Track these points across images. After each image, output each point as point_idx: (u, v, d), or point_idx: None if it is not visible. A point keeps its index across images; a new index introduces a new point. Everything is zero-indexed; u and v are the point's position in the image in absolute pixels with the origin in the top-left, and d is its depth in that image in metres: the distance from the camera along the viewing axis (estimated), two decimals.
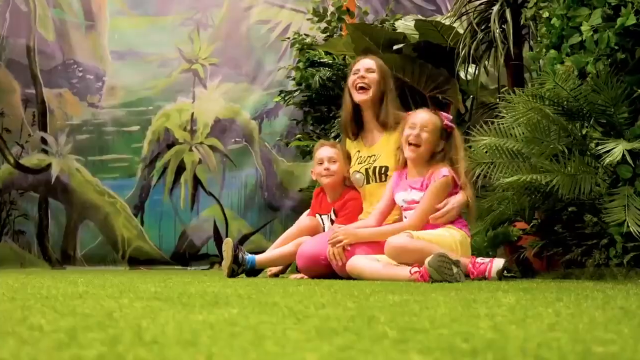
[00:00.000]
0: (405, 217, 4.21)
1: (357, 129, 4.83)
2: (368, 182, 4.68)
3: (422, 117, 4.23)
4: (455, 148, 4.21)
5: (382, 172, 4.62)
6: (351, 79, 4.77)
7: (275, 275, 5.00)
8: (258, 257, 4.75)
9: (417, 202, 4.13)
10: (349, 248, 4.15)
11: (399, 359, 1.06)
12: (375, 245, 4.07)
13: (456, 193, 4.11)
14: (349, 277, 4.08)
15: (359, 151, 4.79)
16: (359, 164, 4.75)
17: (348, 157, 4.84)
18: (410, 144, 4.21)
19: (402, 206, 4.25)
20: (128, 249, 8.23)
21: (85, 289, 2.83)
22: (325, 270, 4.34)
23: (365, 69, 4.72)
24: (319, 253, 4.39)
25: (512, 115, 4.32)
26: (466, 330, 1.38)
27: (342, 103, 4.91)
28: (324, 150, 4.92)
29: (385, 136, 4.70)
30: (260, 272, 4.94)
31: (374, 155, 4.69)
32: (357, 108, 4.79)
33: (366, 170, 4.69)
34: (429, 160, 4.22)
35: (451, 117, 4.36)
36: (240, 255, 4.62)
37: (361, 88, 4.70)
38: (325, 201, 4.98)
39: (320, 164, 4.90)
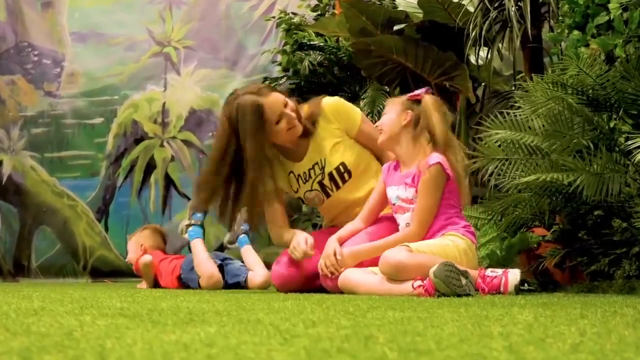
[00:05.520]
0: (397, 217, 4.15)
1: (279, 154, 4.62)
2: (328, 195, 4.55)
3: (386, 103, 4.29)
4: (425, 115, 4.04)
5: (343, 171, 4.49)
6: (280, 127, 4.35)
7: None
8: None
9: (409, 200, 4.05)
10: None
11: None
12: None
13: (451, 186, 4.04)
14: (339, 292, 4.04)
15: (292, 172, 4.58)
16: (304, 182, 4.57)
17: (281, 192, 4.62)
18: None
19: (394, 204, 4.13)
20: (90, 259, 8.21)
21: (42, 304, 2.82)
22: (305, 289, 4.32)
23: (284, 104, 4.38)
24: (296, 271, 4.37)
25: (529, 105, 4.33)
26: (477, 352, 1.38)
27: (247, 155, 4.30)
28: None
29: (312, 138, 4.53)
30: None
31: (318, 163, 4.52)
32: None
33: (320, 183, 4.53)
34: (413, 145, 4.07)
35: (426, 88, 4.20)
36: None
37: (292, 127, 4.41)
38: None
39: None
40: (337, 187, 4.52)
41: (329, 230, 4.53)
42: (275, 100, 4.34)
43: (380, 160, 4.52)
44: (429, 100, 4.08)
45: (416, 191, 3.98)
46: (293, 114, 4.37)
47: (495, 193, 4.52)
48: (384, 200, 4.24)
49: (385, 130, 4.11)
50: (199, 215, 5.63)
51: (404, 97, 4.16)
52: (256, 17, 8.34)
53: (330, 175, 4.49)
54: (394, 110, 4.12)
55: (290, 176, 4.57)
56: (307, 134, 4.48)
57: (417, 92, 4.13)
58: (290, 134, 4.41)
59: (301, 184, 4.56)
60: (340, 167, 4.48)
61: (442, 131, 4.00)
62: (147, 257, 5.57)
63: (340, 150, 4.49)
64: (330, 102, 4.57)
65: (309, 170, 4.52)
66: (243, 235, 5.62)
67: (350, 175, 4.49)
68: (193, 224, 5.60)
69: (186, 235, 5.60)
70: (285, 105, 4.37)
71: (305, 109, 4.54)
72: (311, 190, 4.55)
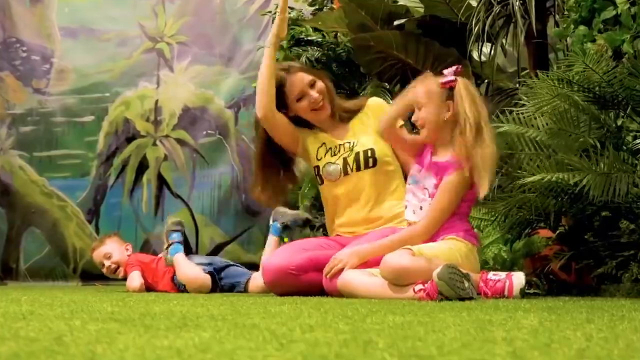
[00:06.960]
0: (407, 199, 4.12)
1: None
2: (346, 173, 4.61)
3: (415, 93, 4.08)
4: (456, 103, 3.93)
5: (369, 156, 4.58)
6: (301, 105, 4.66)
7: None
8: None
9: (425, 189, 4.03)
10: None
11: None
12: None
13: (471, 195, 4.02)
14: (339, 295, 4.03)
15: (324, 143, 4.74)
16: (332, 155, 4.69)
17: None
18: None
19: (408, 183, 4.14)
20: (80, 262, 8.19)
21: (30, 308, 2.82)
22: (297, 285, 4.32)
23: (309, 85, 4.66)
24: (288, 264, 4.39)
25: (534, 103, 4.33)
26: (480, 358, 1.38)
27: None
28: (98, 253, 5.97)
29: (352, 123, 4.76)
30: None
31: (350, 143, 4.66)
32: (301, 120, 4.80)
33: (344, 159, 4.62)
34: (450, 136, 3.98)
35: (454, 68, 4.03)
36: None
37: (317, 109, 4.69)
38: None
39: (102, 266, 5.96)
40: (358, 169, 4.61)
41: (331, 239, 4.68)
42: (298, 78, 4.67)
43: (404, 168, 4.58)
44: (461, 85, 3.96)
45: (435, 186, 3.97)
46: (317, 95, 4.63)
47: (499, 193, 4.51)
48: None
49: (428, 127, 4.03)
50: (175, 235, 5.68)
51: (438, 87, 4.00)
52: (252, 12, 8.33)
53: (357, 155, 4.61)
54: (433, 103, 4.00)
55: (321, 147, 4.73)
56: (342, 119, 4.76)
57: (449, 77, 3.98)
58: (316, 115, 4.71)
59: (328, 156, 4.71)
60: (369, 151, 4.59)
61: (471, 120, 3.87)
62: (136, 282, 5.67)
63: (376, 140, 4.59)
64: (375, 100, 4.93)
65: (340, 145, 4.69)
66: (275, 222, 5.55)
67: (375, 164, 4.58)
68: (170, 244, 5.64)
69: (169, 256, 5.64)
70: (312, 85, 4.65)
71: (349, 102, 4.88)
72: (334, 163, 4.66)
